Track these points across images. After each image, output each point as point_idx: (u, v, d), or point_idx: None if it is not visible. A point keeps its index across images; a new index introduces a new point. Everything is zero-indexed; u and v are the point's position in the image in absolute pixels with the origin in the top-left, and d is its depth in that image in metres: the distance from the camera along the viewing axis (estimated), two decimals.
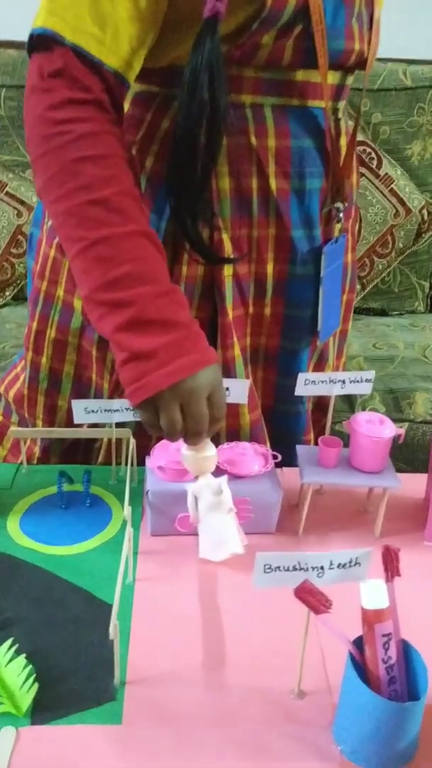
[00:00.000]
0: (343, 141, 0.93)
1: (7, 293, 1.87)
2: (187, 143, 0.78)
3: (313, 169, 0.89)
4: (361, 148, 1.82)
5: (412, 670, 0.60)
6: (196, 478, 0.79)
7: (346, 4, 0.82)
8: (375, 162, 1.83)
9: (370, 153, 1.83)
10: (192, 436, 0.73)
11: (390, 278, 1.97)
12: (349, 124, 0.96)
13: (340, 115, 0.92)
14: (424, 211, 1.87)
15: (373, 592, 0.58)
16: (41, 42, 0.73)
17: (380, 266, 1.91)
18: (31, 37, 0.74)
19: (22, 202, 1.80)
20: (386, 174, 1.84)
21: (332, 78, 0.87)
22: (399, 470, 0.88)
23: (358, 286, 1.91)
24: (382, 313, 2.00)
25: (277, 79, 0.84)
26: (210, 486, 0.78)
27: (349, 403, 1.50)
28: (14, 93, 1.79)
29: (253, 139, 0.85)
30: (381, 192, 1.84)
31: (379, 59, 1.88)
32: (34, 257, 0.98)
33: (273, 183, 0.87)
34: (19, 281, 1.87)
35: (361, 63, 0.88)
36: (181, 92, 0.76)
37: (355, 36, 0.85)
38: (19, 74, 1.77)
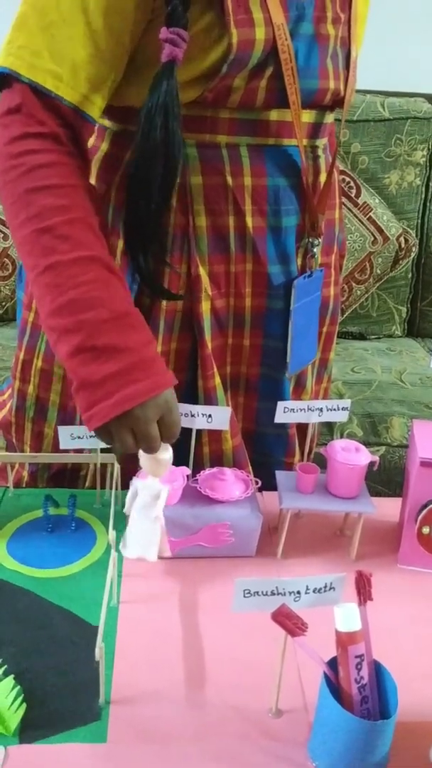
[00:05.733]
0: (323, 178, 0.96)
1: None
2: (141, 181, 0.81)
3: (289, 206, 0.92)
4: (340, 177, 1.87)
5: (383, 689, 0.63)
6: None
7: (319, 44, 0.85)
8: (354, 191, 1.89)
9: (349, 182, 1.89)
10: (145, 452, 0.75)
11: (368, 303, 2.02)
12: (329, 159, 0.99)
13: (319, 152, 0.94)
14: (402, 239, 1.92)
15: (347, 616, 0.61)
16: (1, 80, 0.77)
17: (359, 292, 1.96)
18: None
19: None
20: (365, 202, 1.90)
21: (309, 117, 0.90)
22: (377, 493, 0.92)
23: None
24: (361, 337, 2.05)
25: (252, 120, 0.86)
26: (150, 489, 0.79)
27: (329, 426, 1.53)
28: None
29: (229, 179, 0.88)
30: (359, 220, 1.90)
31: (358, 91, 1.94)
32: (24, 288, 1.00)
33: (249, 221, 0.90)
34: (3, 303, 1.90)
35: (339, 101, 0.91)
36: (136, 132, 0.79)
37: (329, 75, 0.87)
38: None
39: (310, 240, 0.95)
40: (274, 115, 0.87)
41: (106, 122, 0.90)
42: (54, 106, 0.76)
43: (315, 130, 0.92)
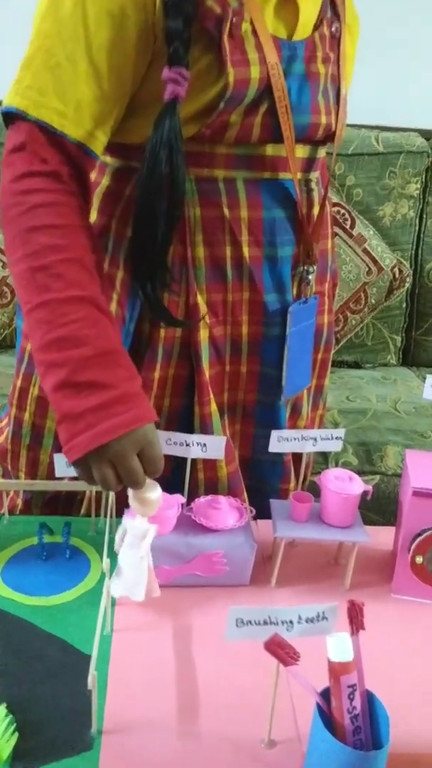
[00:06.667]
0: (316, 210, 0.99)
1: None
2: (147, 215, 0.84)
3: (285, 237, 0.95)
4: (335, 209, 1.91)
5: (376, 719, 0.63)
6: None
7: (311, 81, 0.89)
8: (349, 223, 1.92)
9: (344, 214, 1.92)
10: (130, 486, 0.75)
11: (363, 332, 2.04)
12: (322, 192, 1.02)
13: (312, 185, 0.98)
14: (396, 270, 1.95)
15: (339, 645, 0.61)
16: (8, 119, 0.80)
17: (354, 321, 1.98)
18: (2, 114, 0.80)
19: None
20: (359, 234, 1.92)
21: (302, 151, 0.93)
22: (371, 522, 0.93)
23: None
24: (356, 365, 2.06)
25: (248, 155, 0.89)
26: (137, 528, 0.79)
27: (324, 455, 1.54)
28: None
29: (227, 211, 0.90)
30: (354, 251, 1.92)
31: (353, 125, 1.99)
32: (23, 317, 1.02)
33: (246, 251, 0.93)
34: (1, 330, 1.91)
35: (330, 136, 0.94)
36: (141, 167, 0.82)
37: (321, 111, 0.91)
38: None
39: (306, 268, 0.98)
40: (269, 150, 0.90)
41: (108, 158, 0.93)
42: (59, 142, 0.79)
43: (308, 164, 0.96)
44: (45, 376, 0.75)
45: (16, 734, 0.65)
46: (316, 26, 0.90)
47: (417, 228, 2.05)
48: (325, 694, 0.63)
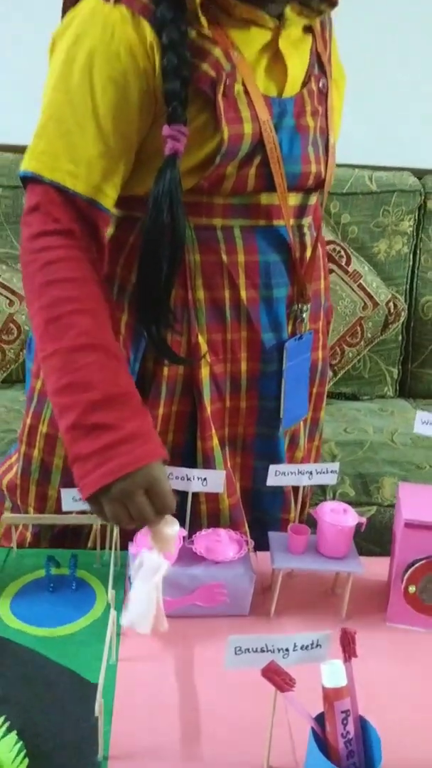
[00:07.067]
0: (309, 252, 1.04)
1: None
2: (151, 260, 0.90)
3: (279, 279, 1.00)
4: (331, 246, 1.97)
5: (369, 744, 0.66)
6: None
7: (301, 134, 0.95)
8: (344, 259, 1.97)
9: (339, 251, 1.98)
10: (140, 523, 0.80)
11: (360, 365, 2.09)
12: (314, 234, 1.07)
13: (305, 230, 1.03)
14: (391, 304, 2.00)
15: (333, 672, 0.65)
16: (25, 182, 0.87)
17: (350, 354, 2.03)
18: (20, 178, 0.88)
19: (13, 292, 1.91)
20: (355, 270, 1.98)
21: (295, 199, 0.99)
22: (369, 552, 0.96)
23: (331, 373, 2.02)
24: (354, 397, 2.10)
25: (244, 204, 0.95)
26: (151, 561, 0.82)
27: (321, 486, 1.58)
28: (9, 192, 1.93)
29: (224, 257, 0.96)
30: (350, 287, 1.98)
31: (348, 165, 2.06)
32: (33, 359, 1.07)
33: (243, 294, 0.98)
34: (8, 366, 1.96)
35: (320, 183, 1.00)
36: (144, 216, 0.88)
37: (311, 160, 0.97)
38: (14, 175, 1.90)
39: (300, 306, 1.04)
40: (263, 199, 0.95)
41: (114, 210, 0.99)
42: (71, 201, 0.85)
43: (301, 210, 1.01)
44: (59, 418, 0.81)
45: (26, 760, 0.68)
46: (305, 83, 0.96)
47: (411, 263, 2.10)
48: (320, 719, 0.66)
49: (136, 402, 0.82)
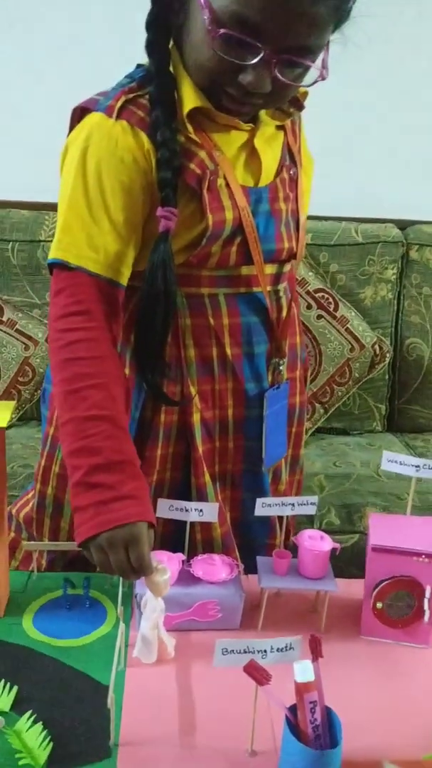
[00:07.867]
0: (285, 312, 1.19)
1: (13, 415, 2.11)
2: (148, 322, 1.04)
3: (259, 337, 1.15)
4: (320, 294, 2.12)
5: (333, 729, 0.79)
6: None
7: (275, 217, 1.10)
8: (332, 305, 2.13)
9: (328, 298, 2.13)
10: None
11: (351, 402, 2.22)
12: (289, 296, 1.21)
13: (281, 294, 1.18)
14: (376, 346, 2.14)
15: (303, 670, 0.77)
16: (51, 268, 1.02)
17: (340, 392, 2.17)
18: (48, 265, 1.02)
19: (29, 338, 2.06)
20: (342, 315, 2.13)
21: (271, 269, 1.14)
22: (351, 575, 1.10)
23: (322, 410, 2.16)
24: (344, 432, 2.24)
25: (227, 275, 1.10)
26: (153, 601, 0.95)
27: (309, 516, 1.71)
28: (25, 246, 2.06)
29: (211, 320, 1.11)
30: (338, 330, 2.13)
31: (336, 218, 2.21)
32: (48, 406, 1.21)
33: (228, 350, 1.13)
34: (24, 405, 2.11)
35: (293, 255, 1.16)
36: (141, 284, 1.02)
37: (284, 238, 1.12)
38: (30, 231, 2.03)
39: (277, 360, 1.18)
40: (243, 270, 1.11)
41: None
42: (94, 282, 1.00)
43: (276, 278, 1.16)
44: (70, 476, 0.95)
45: (50, 745, 0.82)
46: (278, 172, 1.12)
47: (395, 308, 2.24)
48: (293, 709, 0.79)
49: (136, 468, 0.95)
